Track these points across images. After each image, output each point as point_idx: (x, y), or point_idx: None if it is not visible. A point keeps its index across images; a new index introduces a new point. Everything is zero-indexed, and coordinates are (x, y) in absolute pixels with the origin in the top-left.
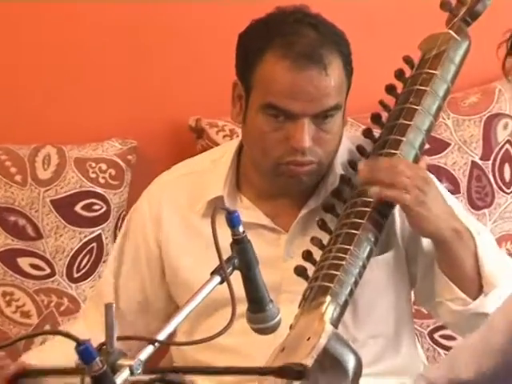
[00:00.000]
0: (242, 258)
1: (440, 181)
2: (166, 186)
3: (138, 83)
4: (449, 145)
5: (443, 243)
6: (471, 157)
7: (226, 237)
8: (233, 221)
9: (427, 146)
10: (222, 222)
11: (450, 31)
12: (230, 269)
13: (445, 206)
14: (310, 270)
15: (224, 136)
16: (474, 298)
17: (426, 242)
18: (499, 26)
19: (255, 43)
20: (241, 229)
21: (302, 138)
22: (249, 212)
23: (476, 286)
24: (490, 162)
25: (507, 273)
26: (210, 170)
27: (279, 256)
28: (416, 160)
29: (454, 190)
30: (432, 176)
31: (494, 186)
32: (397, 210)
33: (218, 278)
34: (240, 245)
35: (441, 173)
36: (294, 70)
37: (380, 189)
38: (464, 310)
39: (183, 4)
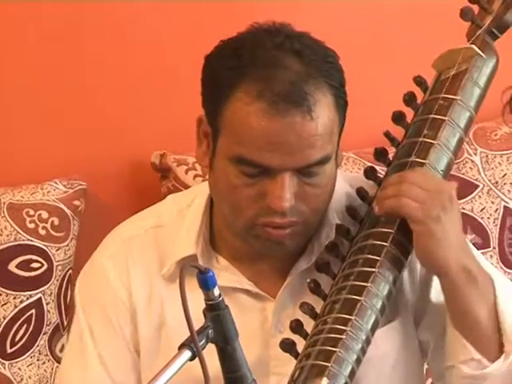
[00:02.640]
0: (217, 327)
1: (465, 231)
2: (129, 246)
3: (87, 110)
4: (476, 187)
5: (450, 284)
6: (504, 202)
7: (198, 304)
8: (206, 282)
9: None
10: (192, 285)
11: (473, 46)
12: (203, 341)
13: (462, 237)
14: (300, 343)
15: (195, 176)
16: (493, 360)
17: (437, 301)
18: None
19: (224, 73)
20: (216, 292)
21: (282, 197)
22: (227, 274)
23: (495, 344)
24: None
25: None
26: (177, 223)
27: (266, 329)
28: None
29: (483, 242)
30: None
31: None
32: (406, 272)
33: (187, 353)
34: (215, 312)
35: (466, 221)
36: (271, 116)
37: (383, 200)
38: (479, 374)
39: (145, 21)
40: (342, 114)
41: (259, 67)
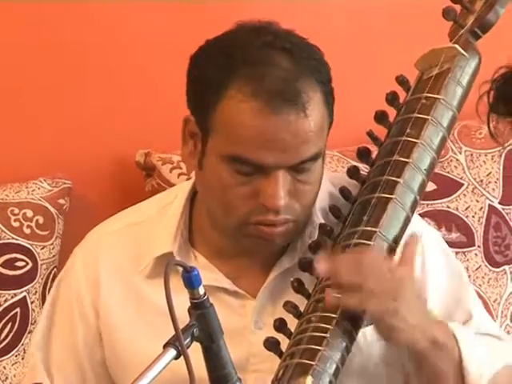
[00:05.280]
0: (202, 326)
1: (449, 230)
2: (105, 241)
3: (71, 109)
4: (461, 185)
5: (418, 356)
6: (488, 200)
7: (180, 302)
8: (191, 280)
9: (434, 187)
10: (173, 283)
11: (456, 46)
12: (188, 340)
13: (421, 308)
14: (284, 342)
15: (179, 174)
16: None
17: None
18: None
19: (214, 73)
20: (201, 290)
21: (277, 195)
22: (205, 273)
23: None
24: None
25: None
26: (156, 220)
27: (245, 327)
28: (414, 206)
29: (467, 241)
30: (416, 263)
31: None
32: None
33: (172, 352)
34: (200, 310)
35: (450, 220)
36: (266, 114)
37: (338, 298)
38: None
39: (129, 20)
40: (330, 110)
41: (251, 65)
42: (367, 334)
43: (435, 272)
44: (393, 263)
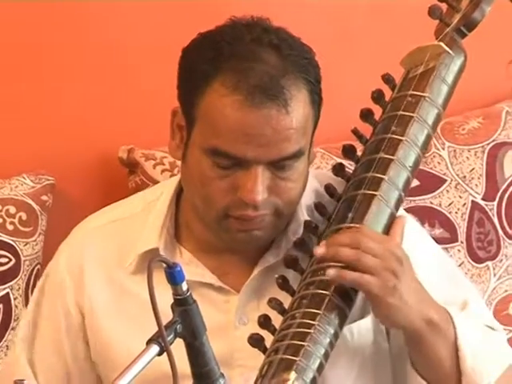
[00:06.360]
0: (185, 322)
1: (432, 226)
2: (90, 237)
3: (54, 105)
4: (444, 181)
5: (413, 336)
6: (471, 196)
7: (164, 298)
8: (174, 276)
9: (417, 183)
10: (158, 278)
11: (441, 44)
12: (172, 336)
13: (418, 289)
14: (268, 338)
15: (163, 171)
16: None
17: None
18: (503, 34)
19: (201, 65)
20: (184, 286)
21: (255, 190)
22: (190, 268)
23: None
24: (495, 202)
25: (495, 366)
26: (142, 217)
27: (229, 322)
28: (399, 203)
29: (451, 237)
30: (411, 239)
31: (500, 232)
32: None
33: (155, 348)
34: (183, 306)
35: (433, 216)
36: (247, 108)
37: (339, 271)
38: None
39: (113, 15)
40: (316, 109)
41: (237, 60)
42: (354, 332)
43: (426, 263)
44: (389, 240)
